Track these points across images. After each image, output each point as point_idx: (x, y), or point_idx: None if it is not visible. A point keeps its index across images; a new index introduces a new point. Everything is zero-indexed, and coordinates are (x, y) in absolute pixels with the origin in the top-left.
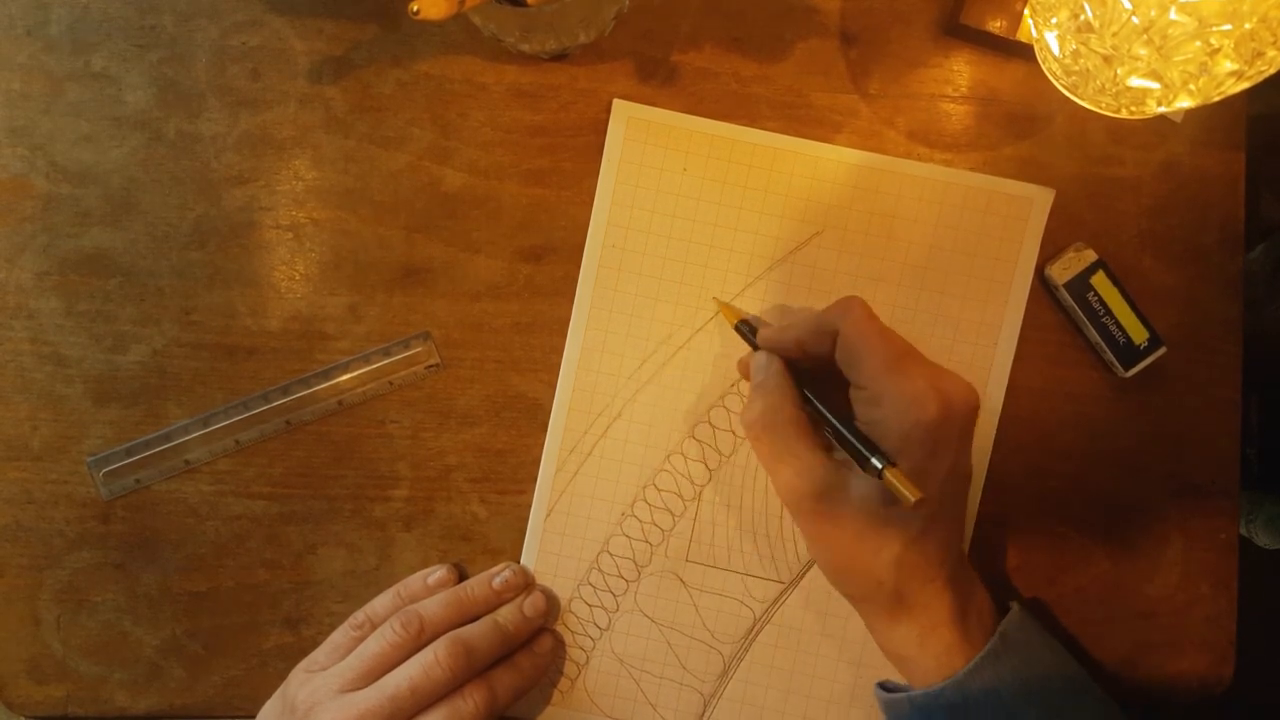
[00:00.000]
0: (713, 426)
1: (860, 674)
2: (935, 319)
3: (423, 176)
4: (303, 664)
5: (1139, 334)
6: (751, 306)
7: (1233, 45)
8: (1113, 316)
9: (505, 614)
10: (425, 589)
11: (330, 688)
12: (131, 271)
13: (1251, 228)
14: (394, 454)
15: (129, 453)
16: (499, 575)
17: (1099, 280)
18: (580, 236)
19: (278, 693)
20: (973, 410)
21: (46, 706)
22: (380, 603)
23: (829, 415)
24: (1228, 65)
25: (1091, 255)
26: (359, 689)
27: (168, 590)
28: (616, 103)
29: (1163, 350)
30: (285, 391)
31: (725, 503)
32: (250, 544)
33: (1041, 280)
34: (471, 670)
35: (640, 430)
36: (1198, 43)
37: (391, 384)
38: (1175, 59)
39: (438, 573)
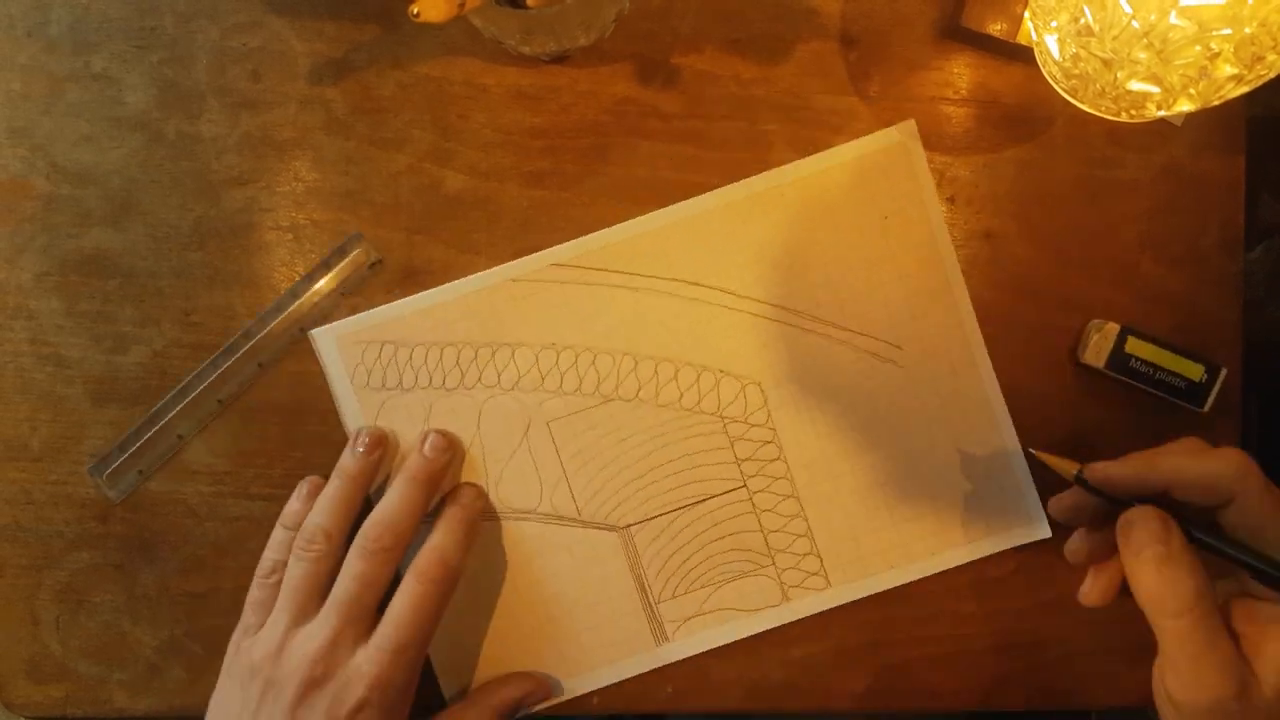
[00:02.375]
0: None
1: None
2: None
3: (423, 178)
4: (236, 635)
5: (1194, 371)
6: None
7: (1233, 49)
8: (1164, 369)
9: (409, 466)
10: (305, 505)
11: (280, 631)
12: (131, 272)
13: (1251, 229)
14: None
15: (122, 448)
16: (357, 442)
17: (1132, 345)
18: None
19: (224, 675)
20: None
21: (46, 707)
22: (275, 542)
23: (1255, 556)
24: (1228, 69)
25: (1114, 327)
26: (311, 617)
27: (167, 591)
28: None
29: (1224, 373)
30: (247, 335)
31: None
32: (250, 545)
33: (1079, 367)
34: (402, 540)
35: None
36: (1198, 47)
37: (343, 294)
38: (1175, 63)
39: (305, 486)
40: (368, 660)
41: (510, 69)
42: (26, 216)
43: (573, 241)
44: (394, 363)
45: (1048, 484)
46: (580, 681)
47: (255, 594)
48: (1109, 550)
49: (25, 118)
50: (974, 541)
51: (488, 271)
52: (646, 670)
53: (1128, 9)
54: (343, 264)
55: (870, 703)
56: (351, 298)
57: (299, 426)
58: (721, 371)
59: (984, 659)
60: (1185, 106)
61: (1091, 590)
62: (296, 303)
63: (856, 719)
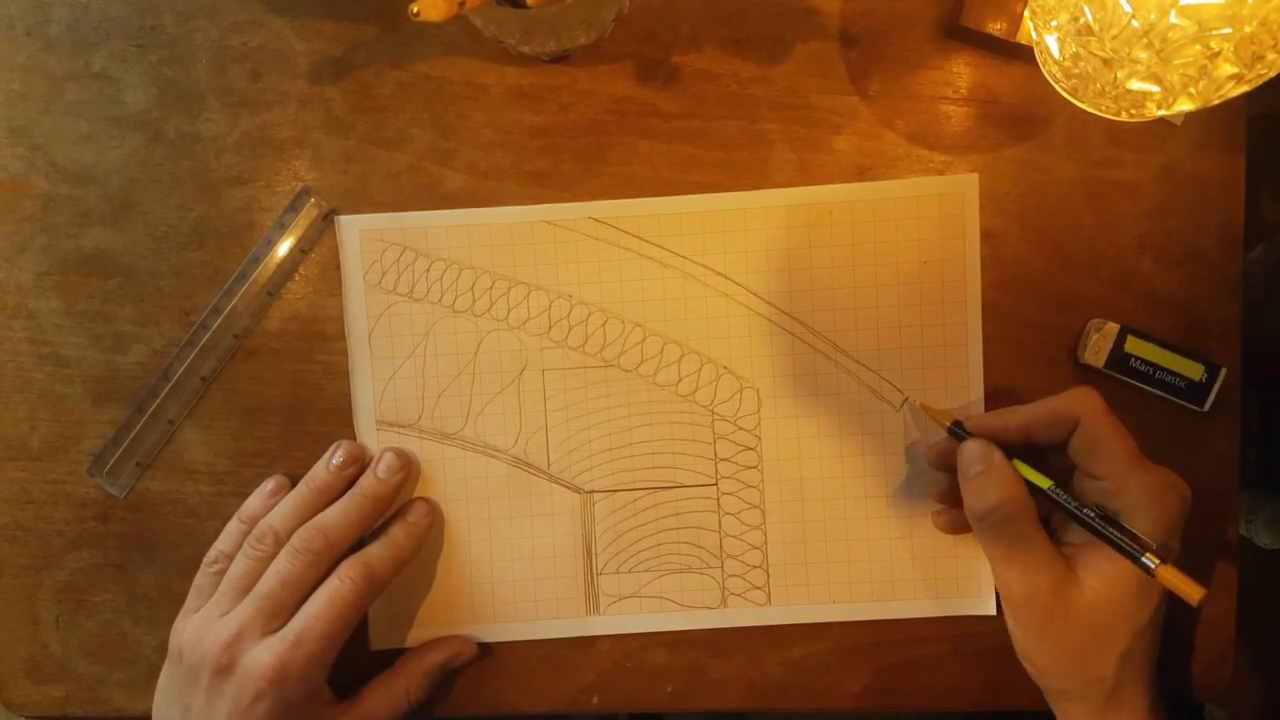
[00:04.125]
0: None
1: None
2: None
3: (423, 177)
4: (177, 618)
5: (1194, 371)
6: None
7: (1232, 49)
8: (1163, 369)
9: (359, 484)
10: (265, 504)
11: (208, 618)
12: (131, 272)
13: (1251, 229)
14: None
15: (116, 442)
16: (334, 455)
17: (1132, 345)
18: None
19: (167, 659)
20: (1188, 508)
21: (45, 706)
22: (228, 534)
23: (1084, 510)
24: (1228, 69)
25: (1114, 327)
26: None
27: (167, 591)
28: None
29: (1224, 372)
30: (216, 312)
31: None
32: None
33: (1080, 367)
34: (334, 548)
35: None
36: (1198, 46)
37: (303, 251)
38: (1175, 62)
39: (270, 484)
40: (268, 650)
41: (510, 68)
42: (26, 216)
43: (616, 200)
44: (410, 270)
45: None
46: (502, 629)
47: (198, 580)
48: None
49: (25, 117)
50: (914, 600)
51: (524, 207)
52: (567, 636)
53: (1127, 8)
54: (297, 220)
55: (870, 702)
56: (312, 253)
57: (299, 426)
58: (724, 368)
59: (984, 659)
60: (1185, 106)
61: (940, 514)
62: (259, 267)
63: (856, 719)
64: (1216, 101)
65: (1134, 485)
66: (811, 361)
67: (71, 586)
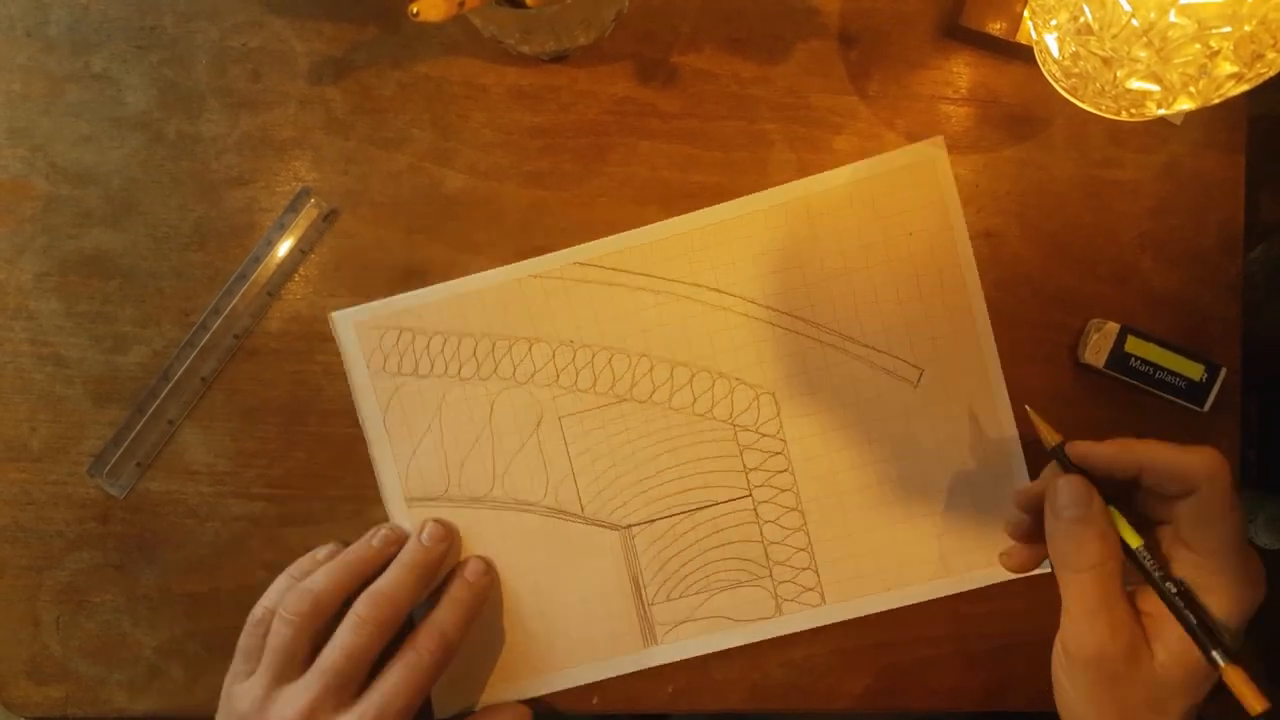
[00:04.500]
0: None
1: None
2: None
3: (423, 178)
4: (227, 679)
5: (1194, 371)
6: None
7: (1232, 48)
8: (1163, 369)
9: (405, 552)
10: (314, 565)
11: (263, 689)
12: (131, 272)
13: (1251, 229)
14: None
15: (116, 443)
16: (373, 538)
17: (1132, 345)
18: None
19: (219, 716)
20: None
21: (46, 707)
22: (273, 590)
23: (1168, 583)
24: (1227, 68)
25: (1114, 326)
26: (292, 679)
27: (167, 591)
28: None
29: (1224, 372)
30: (216, 312)
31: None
32: (250, 545)
33: (1080, 366)
34: (399, 617)
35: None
36: (1197, 45)
37: (304, 252)
38: (1175, 61)
39: (323, 551)
40: None
41: (510, 69)
42: (26, 217)
43: (596, 241)
44: (410, 350)
45: None
46: (564, 676)
47: (245, 642)
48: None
49: (25, 118)
50: (970, 571)
51: (510, 266)
52: (631, 671)
53: (1127, 7)
54: (297, 220)
55: (871, 703)
56: (312, 253)
57: (299, 426)
58: (736, 379)
59: (986, 660)
60: (1185, 105)
61: (1011, 554)
62: (259, 267)
63: (857, 719)
64: (1216, 101)
65: (1231, 573)
66: (821, 355)
67: (72, 587)
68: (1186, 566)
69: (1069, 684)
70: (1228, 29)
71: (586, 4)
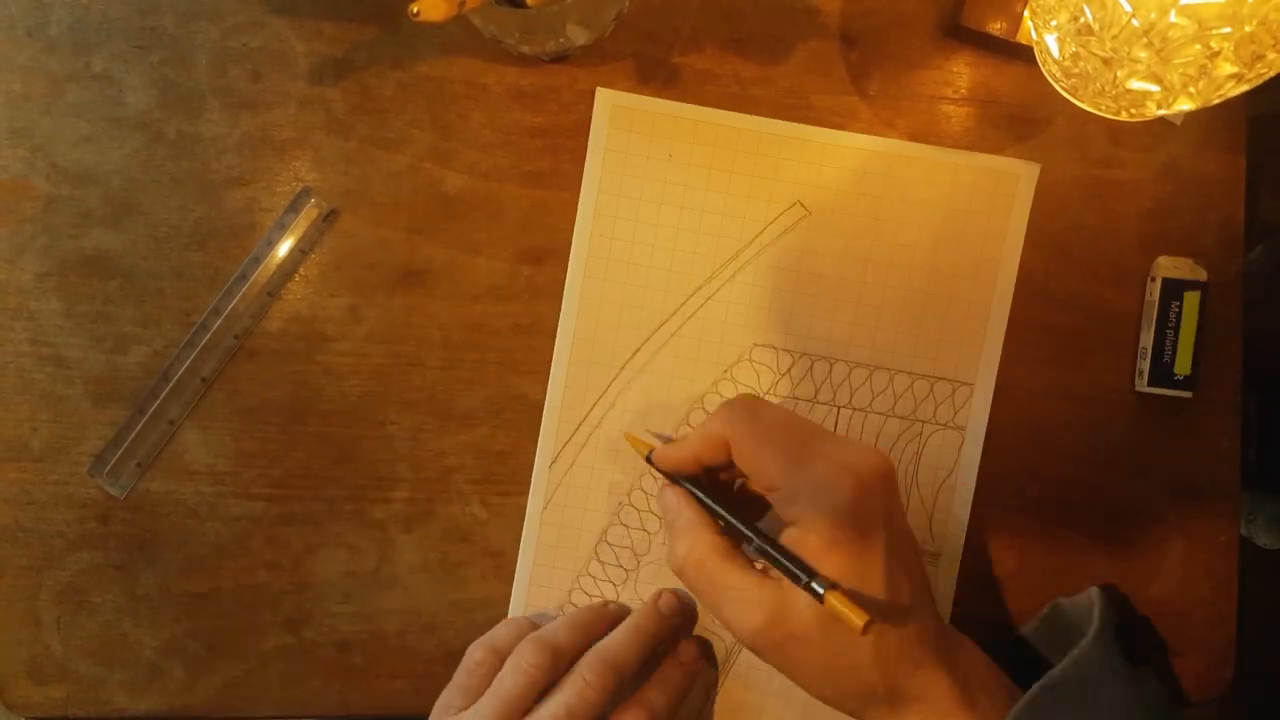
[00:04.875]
0: (706, 412)
1: None
2: (925, 298)
3: (423, 178)
4: (437, 709)
5: (1183, 367)
6: (744, 293)
7: (1232, 48)
8: (1177, 336)
9: (640, 614)
10: (512, 635)
11: None
12: (132, 273)
13: (1251, 228)
14: (394, 455)
15: (117, 443)
16: (659, 602)
17: (1191, 298)
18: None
19: None
20: (887, 475)
21: (46, 707)
22: (501, 634)
23: (753, 535)
24: (1227, 68)
25: (1203, 274)
26: None
27: (168, 591)
28: (600, 91)
29: (1189, 395)
30: (216, 313)
31: None
32: (250, 545)
33: (1140, 275)
34: (623, 686)
35: (635, 419)
36: (1198, 45)
37: (304, 252)
38: (1175, 62)
39: (519, 625)
40: None
41: (510, 69)
42: (27, 217)
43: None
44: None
45: None
46: None
47: (463, 679)
48: None
49: (25, 118)
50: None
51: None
52: None
53: (1127, 7)
54: (297, 221)
55: None
56: (312, 253)
57: (299, 426)
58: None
59: None
60: (1185, 105)
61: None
62: (260, 267)
63: None
64: (1216, 101)
65: (799, 488)
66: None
67: (72, 587)
68: (777, 504)
69: (767, 662)
70: (1228, 29)
71: (587, 4)
